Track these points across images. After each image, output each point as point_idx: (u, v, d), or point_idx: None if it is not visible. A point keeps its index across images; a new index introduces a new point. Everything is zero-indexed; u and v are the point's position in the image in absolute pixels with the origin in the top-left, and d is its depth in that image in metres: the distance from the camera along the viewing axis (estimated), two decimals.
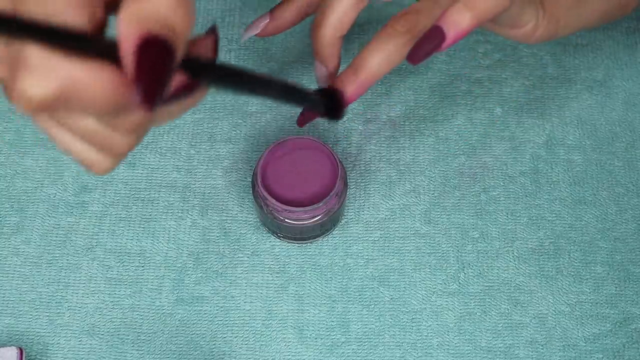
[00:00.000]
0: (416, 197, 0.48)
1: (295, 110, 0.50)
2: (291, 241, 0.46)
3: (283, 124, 0.50)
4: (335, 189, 0.42)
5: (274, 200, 0.41)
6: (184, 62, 0.26)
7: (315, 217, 0.43)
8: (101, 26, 0.27)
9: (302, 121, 0.40)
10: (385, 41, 0.36)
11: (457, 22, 0.35)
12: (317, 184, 0.42)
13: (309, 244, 0.46)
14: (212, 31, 0.29)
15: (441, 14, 0.36)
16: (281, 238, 0.46)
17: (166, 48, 0.24)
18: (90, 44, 0.24)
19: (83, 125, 0.27)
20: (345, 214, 0.47)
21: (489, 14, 0.35)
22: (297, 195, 0.42)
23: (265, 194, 0.42)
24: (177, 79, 0.26)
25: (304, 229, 0.43)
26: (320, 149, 0.43)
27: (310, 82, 0.51)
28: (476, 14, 0.35)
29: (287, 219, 0.42)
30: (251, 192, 0.48)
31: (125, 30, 0.24)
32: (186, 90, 0.27)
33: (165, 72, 0.24)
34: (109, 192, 0.48)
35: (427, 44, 0.35)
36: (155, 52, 0.24)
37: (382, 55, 0.36)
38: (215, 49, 0.29)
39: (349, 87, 0.37)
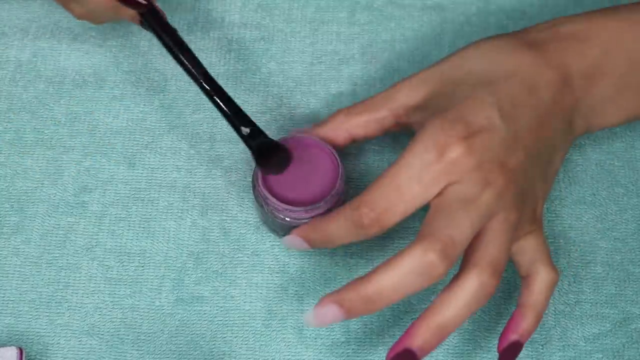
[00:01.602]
0: None
1: (296, 111, 0.50)
2: None
3: (283, 124, 0.50)
4: (336, 188, 0.42)
5: (274, 200, 0.41)
6: None
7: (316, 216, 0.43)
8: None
9: None
10: (466, 296, 0.37)
11: (529, 330, 0.40)
12: (318, 184, 0.42)
13: None
14: None
15: (511, 324, 0.40)
16: (282, 237, 0.46)
17: None
18: None
19: None
20: None
21: (547, 302, 0.40)
22: (298, 195, 0.42)
23: (266, 193, 0.42)
24: None
25: None
26: (321, 148, 0.43)
27: (310, 82, 0.51)
28: (539, 316, 0.40)
29: (288, 218, 0.42)
30: (251, 192, 0.48)
31: None
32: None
33: None
34: (109, 192, 0.48)
35: (512, 358, 0.40)
36: None
37: (460, 305, 0.37)
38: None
39: (427, 344, 0.37)
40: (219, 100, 0.42)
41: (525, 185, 0.39)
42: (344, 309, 0.37)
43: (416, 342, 0.37)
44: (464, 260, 0.38)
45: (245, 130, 0.41)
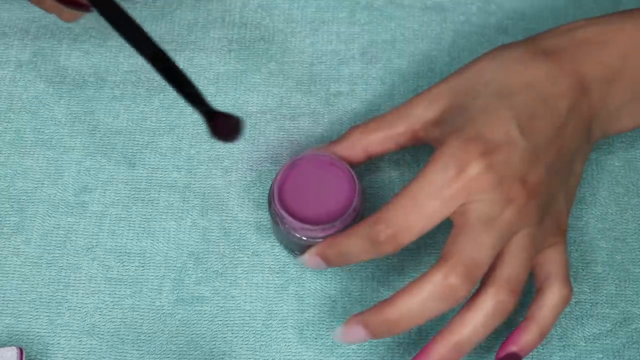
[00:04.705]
0: None
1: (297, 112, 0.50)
2: None
3: (283, 124, 0.50)
4: (353, 206, 0.42)
5: (290, 218, 0.41)
6: None
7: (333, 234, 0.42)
8: None
9: None
10: (484, 315, 0.37)
11: (530, 345, 0.39)
12: (334, 202, 0.42)
13: None
14: None
15: (513, 335, 0.39)
16: (297, 255, 0.45)
17: None
18: None
19: None
20: None
21: (554, 320, 0.40)
22: (314, 213, 0.42)
23: (282, 211, 0.41)
24: None
25: None
26: (337, 165, 0.43)
27: (310, 82, 0.51)
28: (544, 332, 0.40)
29: (304, 237, 0.42)
30: (252, 193, 0.48)
31: None
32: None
33: None
34: (109, 192, 0.48)
35: None
36: None
37: (478, 323, 0.37)
38: None
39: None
40: (175, 82, 0.38)
41: (547, 199, 0.39)
42: (368, 330, 0.38)
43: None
44: (484, 278, 0.38)
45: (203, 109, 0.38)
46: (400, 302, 0.37)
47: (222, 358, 0.44)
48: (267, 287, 0.45)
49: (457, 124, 0.39)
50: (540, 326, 0.39)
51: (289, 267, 0.46)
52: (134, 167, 0.49)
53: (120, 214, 0.47)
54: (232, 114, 0.36)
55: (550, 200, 0.39)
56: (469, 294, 0.36)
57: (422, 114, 0.42)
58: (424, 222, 0.37)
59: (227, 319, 0.45)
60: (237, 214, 0.47)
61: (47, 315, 0.45)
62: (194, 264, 0.46)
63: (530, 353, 0.43)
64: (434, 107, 0.42)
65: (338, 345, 0.44)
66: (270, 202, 0.43)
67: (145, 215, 0.47)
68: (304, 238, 0.42)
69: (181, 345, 0.44)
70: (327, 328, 0.44)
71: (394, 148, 0.43)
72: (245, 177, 0.48)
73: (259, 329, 0.44)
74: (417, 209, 0.37)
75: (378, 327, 0.37)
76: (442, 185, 0.36)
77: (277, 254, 0.46)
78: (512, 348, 0.39)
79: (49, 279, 0.46)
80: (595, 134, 0.42)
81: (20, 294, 0.45)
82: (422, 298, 0.36)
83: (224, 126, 0.37)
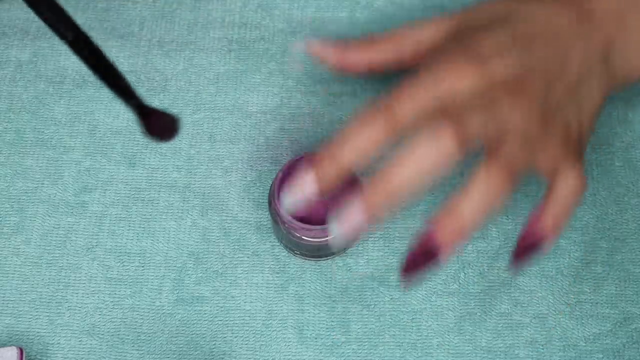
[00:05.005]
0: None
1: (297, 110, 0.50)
2: (308, 258, 0.46)
3: (283, 124, 0.50)
4: None
5: (290, 218, 0.41)
6: None
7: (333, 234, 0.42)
8: None
9: (407, 275, 0.38)
10: (485, 190, 0.36)
11: (550, 232, 0.39)
12: (334, 201, 0.42)
13: (324, 261, 0.46)
14: None
15: (532, 225, 0.39)
16: (297, 255, 0.45)
17: None
18: None
19: None
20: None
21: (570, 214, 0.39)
22: (314, 213, 0.42)
23: (283, 212, 0.41)
24: None
25: (321, 246, 0.43)
26: None
27: (310, 82, 0.51)
28: (561, 224, 0.39)
29: (305, 237, 0.42)
30: (253, 193, 0.48)
31: None
32: None
33: None
34: (109, 192, 0.48)
35: (529, 254, 0.39)
36: None
37: (479, 202, 0.36)
38: None
39: (448, 237, 0.36)
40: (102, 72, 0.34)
41: (548, 105, 0.39)
42: (367, 204, 0.36)
43: (438, 239, 0.36)
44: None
45: (133, 102, 0.35)
46: (395, 171, 0.37)
47: (222, 358, 0.44)
48: (267, 287, 0.45)
49: (454, 44, 0.40)
50: (556, 214, 0.39)
51: (289, 267, 0.46)
52: (134, 167, 0.49)
53: (120, 214, 0.47)
54: (167, 112, 0.34)
55: (553, 109, 0.39)
56: (461, 156, 0.36)
57: (430, 34, 0.43)
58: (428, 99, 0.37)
59: (227, 319, 0.45)
60: (237, 214, 0.47)
61: (47, 315, 0.45)
62: (194, 264, 0.46)
63: (531, 353, 0.43)
64: (440, 31, 0.43)
65: (338, 345, 0.44)
66: (270, 202, 0.43)
67: (145, 215, 0.47)
68: (304, 238, 0.42)
69: (181, 345, 0.44)
70: (327, 328, 0.44)
71: (394, 62, 0.44)
72: (245, 177, 0.48)
73: (259, 329, 0.44)
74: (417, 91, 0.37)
75: (377, 197, 0.36)
76: (435, 79, 0.37)
77: (277, 254, 0.46)
78: (531, 238, 0.39)
79: (49, 279, 0.46)
80: (618, 69, 0.43)
81: (20, 294, 0.45)
82: (416, 158, 0.36)
83: (157, 124, 0.34)
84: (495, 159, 0.37)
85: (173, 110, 0.50)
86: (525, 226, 0.40)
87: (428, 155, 0.36)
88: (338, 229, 0.37)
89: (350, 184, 0.42)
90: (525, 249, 0.39)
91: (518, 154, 0.37)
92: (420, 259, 0.36)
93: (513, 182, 0.37)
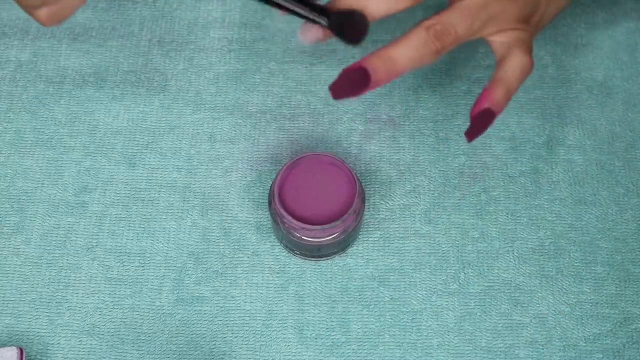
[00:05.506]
0: (416, 197, 0.48)
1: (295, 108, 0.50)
2: (308, 258, 0.45)
3: (283, 124, 0.50)
4: (353, 206, 0.42)
5: (290, 218, 0.41)
6: None
7: (332, 235, 0.42)
8: None
9: (335, 91, 0.39)
10: (416, 45, 0.39)
11: (499, 101, 0.41)
12: (334, 202, 0.42)
13: (324, 261, 0.46)
14: None
15: (485, 94, 0.41)
16: (297, 255, 0.45)
17: None
18: None
19: None
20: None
21: (518, 83, 0.41)
22: (314, 213, 0.42)
23: (282, 211, 0.41)
24: None
25: (321, 246, 0.43)
26: (337, 165, 0.43)
27: (311, 83, 0.51)
28: (509, 92, 0.41)
29: (304, 236, 0.42)
30: (253, 193, 0.48)
31: None
32: None
33: None
34: (109, 192, 0.48)
35: (482, 126, 0.41)
36: None
37: (410, 55, 0.39)
38: None
39: (380, 74, 0.38)
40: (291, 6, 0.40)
41: None
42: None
43: (369, 71, 0.39)
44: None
45: (324, 19, 0.40)
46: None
47: (222, 358, 0.44)
48: (267, 287, 0.45)
49: None
50: (505, 85, 0.41)
51: (289, 267, 0.46)
52: (134, 167, 0.49)
53: (120, 214, 0.47)
54: (350, 11, 0.38)
55: None
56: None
57: None
58: None
59: (227, 319, 0.45)
60: (237, 214, 0.47)
61: (47, 315, 0.45)
62: (194, 264, 0.46)
63: (531, 353, 0.43)
64: None
65: (338, 345, 0.44)
66: (270, 202, 0.43)
67: (145, 215, 0.47)
68: (304, 238, 0.42)
69: (181, 345, 0.44)
70: (327, 328, 0.44)
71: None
72: (245, 177, 0.48)
73: (259, 329, 0.44)
74: None
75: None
76: None
77: (277, 254, 0.46)
78: (485, 104, 0.41)
79: (49, 279, 0.46)
80: None
81: (20, 294, 0.45)
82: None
83: (349, 26, 0.38)
84: (437, 22, 0.39)
85: (173, 110, 0.50)
86: (477, 98, 0.42)
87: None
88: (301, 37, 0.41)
89: (349, 184, 0.42)
90: (477, 119, 0.41)
91: (459, 20, 0.40)
92: (354, 76, 0.38)
93: (445, 47, 0.39)
